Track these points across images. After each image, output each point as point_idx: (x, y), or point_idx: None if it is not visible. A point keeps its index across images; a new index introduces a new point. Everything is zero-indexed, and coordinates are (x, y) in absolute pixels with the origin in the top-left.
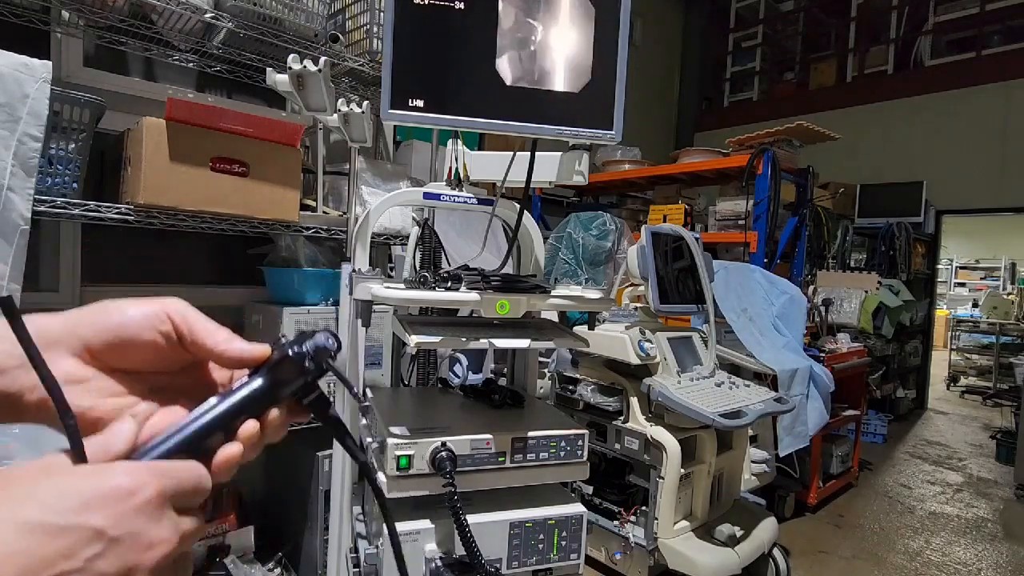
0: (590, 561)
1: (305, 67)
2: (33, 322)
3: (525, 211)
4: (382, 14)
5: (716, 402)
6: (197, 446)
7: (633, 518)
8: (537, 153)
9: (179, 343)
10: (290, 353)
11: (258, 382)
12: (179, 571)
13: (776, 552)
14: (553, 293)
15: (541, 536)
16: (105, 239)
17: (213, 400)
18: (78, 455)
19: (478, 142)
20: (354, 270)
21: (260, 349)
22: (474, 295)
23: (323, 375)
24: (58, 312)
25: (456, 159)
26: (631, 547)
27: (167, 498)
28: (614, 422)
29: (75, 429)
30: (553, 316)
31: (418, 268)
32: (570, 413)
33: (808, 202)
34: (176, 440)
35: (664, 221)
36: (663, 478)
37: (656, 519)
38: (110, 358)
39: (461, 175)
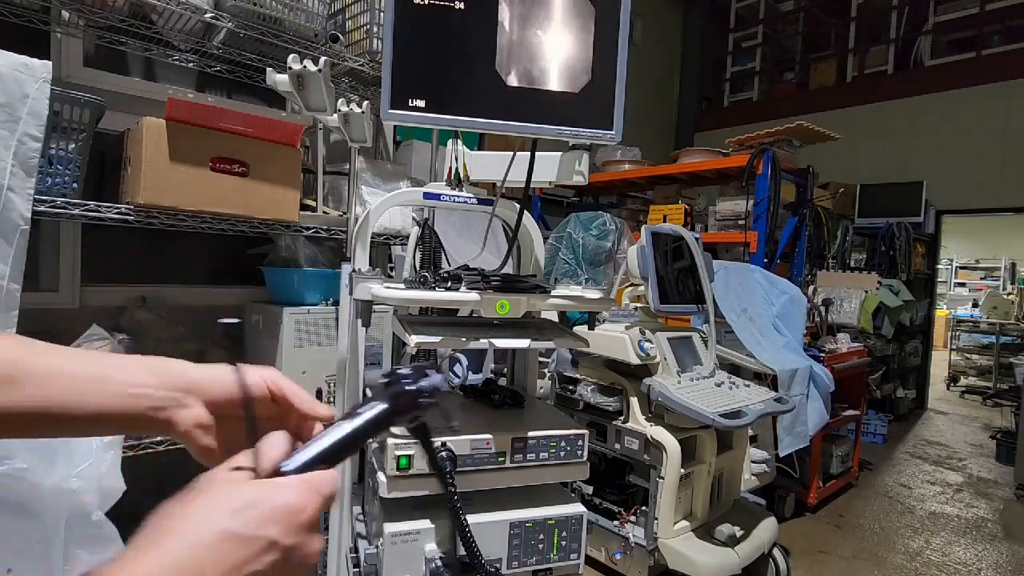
0: (590, 561)
1: (305, 67)
2: (181, 366)
3: (525, 211)
4: (382, 14)
5: (716, 402)
6: (332, 458)
7: (633, 518)
8: (537, 153)
9: (273, 400)
10: (411, 388)
11: (381, 407)
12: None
13: (776, 552)
14: (553, 293)
15: (541, 536)
16: (105, 239)
17: (343, 423)
18: (255, 472)
19: (478, 142)
20: (354, 270)
21: (328, 410)
22: (474, 295)
23: (433, 408)
24: (192, 364)
25: (456, 159)
26: (631, 547)
27: (320, 513)
28: (614, 422)
29: (256, 450)
30: (553, 316)
31: (418, 268)
32: (570, 413)
33: (808, 202)
34: (317, 453)
35: (664, 221)
36: (663, 478)
37: (656, 519)
38: (226, 408)
39: (461, 175)
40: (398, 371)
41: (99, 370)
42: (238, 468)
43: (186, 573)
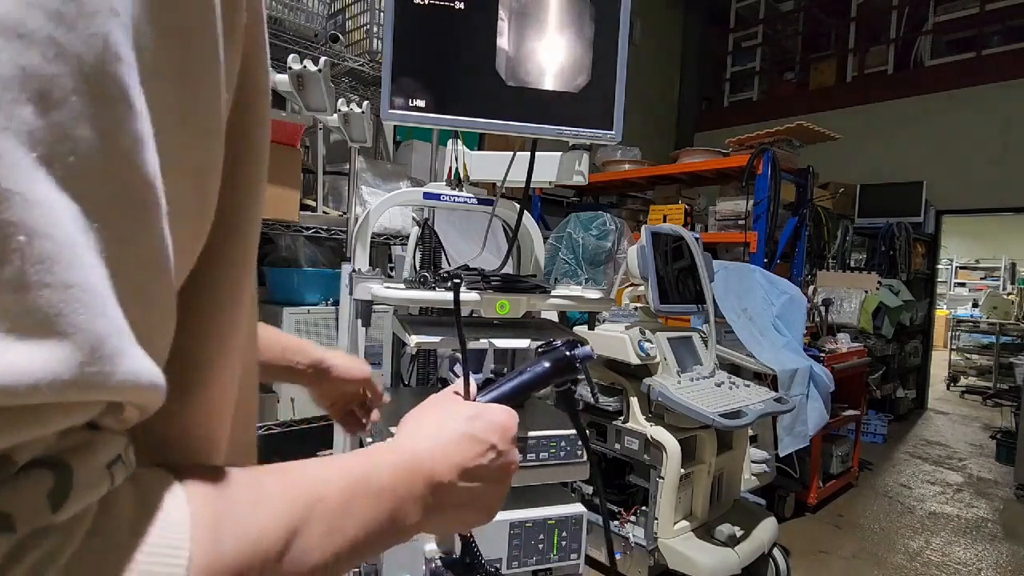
0: (590, 561)
1: (305, 67)
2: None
3: (525, 211)
4: (382, 14)
5: (716, 402)
6: (508, 399)
7: (633, 518)
8: (537, 153)
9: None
10: (569, 354)
11: (547, 366)
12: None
13: (776, 552)
14: (553, 293)
15: (541, 536)
16: None
17: (514, 376)
18: (466, 396)
19: (478, 142)
20: (354, 270)
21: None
22: (474, 295)
23: (583, 373)
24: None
25: (456, 159)
26: (631, 547)
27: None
28: (614, 422)
29: (468, 378)
30: (553, 316)
31: (418, 268)
32: None
33: (808, 202)
34: (498, 393)
35: (664, 221)
36: (663, 478)
37: (656, 519)
38: (339, 382)
39: (461, 175)
40: (553, 342)
41: (272, 336)
42: (456, 393)
43: (437, 457)
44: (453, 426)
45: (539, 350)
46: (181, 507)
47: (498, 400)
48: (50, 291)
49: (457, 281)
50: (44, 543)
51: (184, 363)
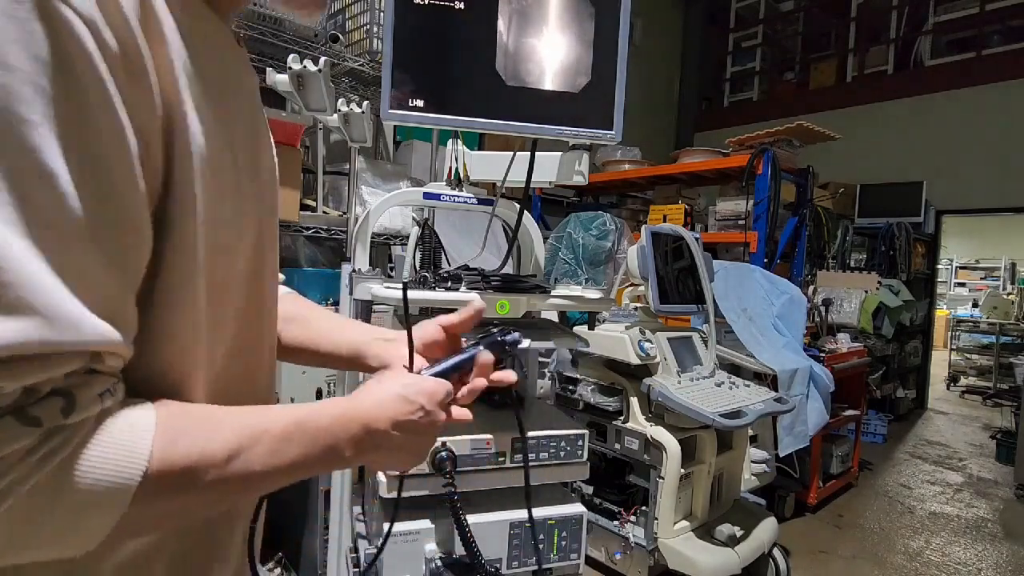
0: (590, 561)
1: (305, 67)
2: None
3: (525, 211)
4: (382, 14)
5: (716, 402)
6: (446, 375)
7: (633, 518)
8: (537, 153)
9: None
10: (500, 339)
11: (481, 348)
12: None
13: (776, 552)
14: (553, 293)
15: (541, 536)
16: None
17: (453, 356)
18: (410, 370)
19: (478, 142)
20: (354, 270)
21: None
22: (474, 295)
23: (513, 355)
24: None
25: (456, 159)
26: (631, 547)
27: (447, 399)
28: (614, 422)
29: (412, 355)
30: (553, 316)
31: (418, 268)
32: (570, 413)
33: (808, 202)
34: (438, 370)
35: (664, 221)
36: (663, 478)
37: (656, 519)
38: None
39: (461, 175)
40: (490, 329)
41: (339, 324)
42: (404, 367)
43: (372, 412)
44: (392, 388)
45: (479, 336)
46: (149, 420)
47: (437, 375)
48: (11, 288)
49: (406, 281)
50: (60, 435)
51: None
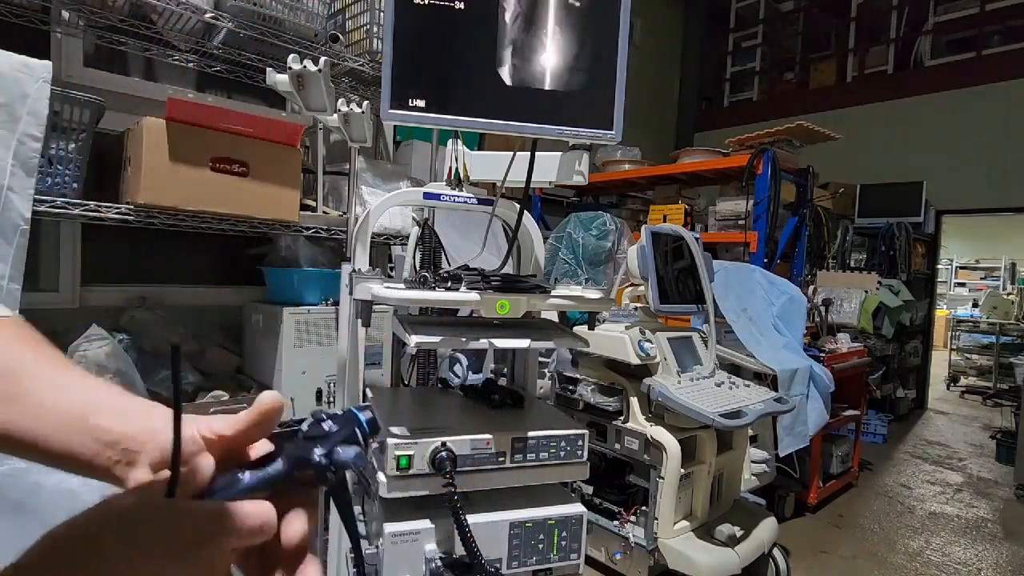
0: (590, 561)
1: (305, 67)
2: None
3: (525, 211)
4: (382, 14)
5: (716, 402)
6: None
7: (633, 518)
8: (537, 153)
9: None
10: (316, 461)
11: (279, 467)
12: None
13: (776, 552)
14: (553, 293)
15: (541, 536)
16: (105, 239)
17: (243, 474)
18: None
19: (478, 142)
20: (354, 270)
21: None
22: (474, 295)
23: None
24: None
25: (456, 159)
26: (631, 547)
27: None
28: (614, 422)
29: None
30: (553, 316)
31: (418, 268)
32: (570, 413)
33: (808, 202)
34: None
35: (664, 221)
36: (663, 478)
37: (656, 519)
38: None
39: (461, 175)
40: (316, 422)
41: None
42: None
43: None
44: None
45: (283, 428)
46: None
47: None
48: None
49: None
50: None
51: None
